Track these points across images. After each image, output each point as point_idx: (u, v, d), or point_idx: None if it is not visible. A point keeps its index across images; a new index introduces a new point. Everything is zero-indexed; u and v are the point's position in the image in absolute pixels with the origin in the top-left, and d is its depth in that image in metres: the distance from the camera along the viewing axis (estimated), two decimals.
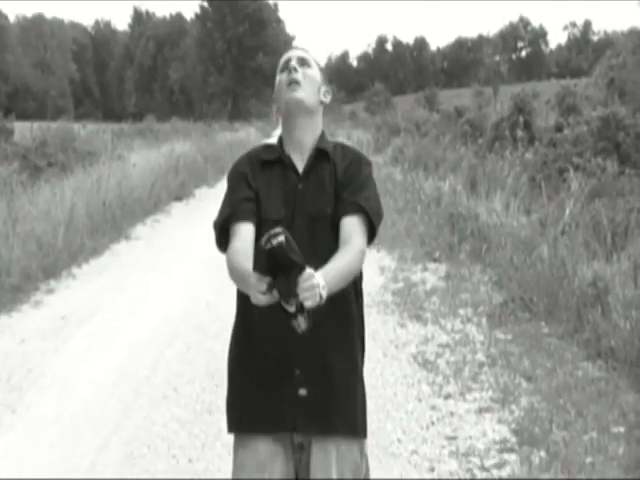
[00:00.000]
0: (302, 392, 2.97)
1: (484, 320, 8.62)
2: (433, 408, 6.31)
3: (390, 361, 7.41)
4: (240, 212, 3.03)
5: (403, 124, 35.24)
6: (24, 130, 21.70)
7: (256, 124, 65.58)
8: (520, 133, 20.51)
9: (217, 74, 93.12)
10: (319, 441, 3.00)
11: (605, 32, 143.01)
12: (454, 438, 5.75)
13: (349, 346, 3.09)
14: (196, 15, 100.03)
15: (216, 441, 5.74)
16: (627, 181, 13.12)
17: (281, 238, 2.55)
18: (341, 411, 3.03)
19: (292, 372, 2.97)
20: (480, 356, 7.50)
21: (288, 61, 3.14)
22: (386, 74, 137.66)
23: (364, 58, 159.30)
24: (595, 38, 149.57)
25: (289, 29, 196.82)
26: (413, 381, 6.91)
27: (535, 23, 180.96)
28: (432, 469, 5.28)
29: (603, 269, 8.57)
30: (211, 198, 20.81)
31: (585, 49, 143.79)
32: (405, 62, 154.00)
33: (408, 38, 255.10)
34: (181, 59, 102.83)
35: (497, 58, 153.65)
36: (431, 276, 10.80)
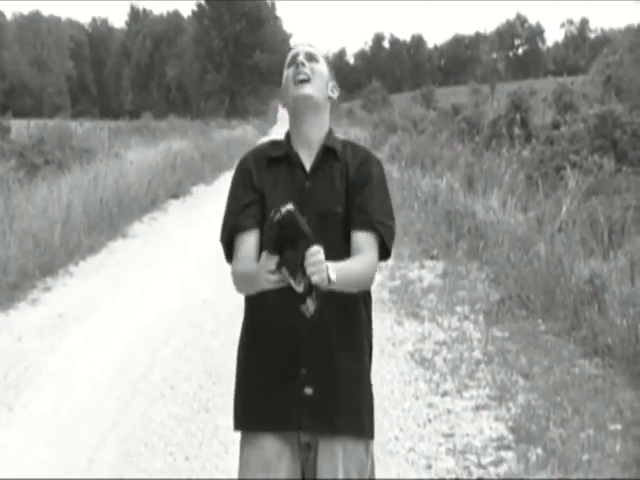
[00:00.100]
0: (308, 391, 2.95)
1: (481, 318, 8.62)
2: (430, 406, 6.31)
3: (387, 359, 7.41)
4: (243, 222, 3.00)
5: (400, 122, 35.25)
6: (21, 128, 21.67)
7: (253, 122, 65.60)
8: (517, 131, 20.53)
9: (214, 72, 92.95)
10: (325, 441, 2.98)
11: (602, 30, 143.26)
12: (451, 436, 5.75)
13: (356, 347, 3.07)
14: (193, 13, 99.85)
15: (213, 439, 5.74)
16: (624, 179, 13.13)
17: (290, 207, 2.61)
18: (346, 411, 3.01)
19: (298, 371, 2.95)
20: (477, 354, 7.51)
21: (296, 56, 3.10)
22: (383, 72, 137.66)
23: (361, 56, 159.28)
24: (592, 36, 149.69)
25: (286, 27, 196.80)
26: (410, 379, 6.91)
27: (532, 21, 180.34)
28: (429, 467, 5.29)
29: (600, 267, 8.57)
30: (208, 196, 20.84)
31: (582, 47, 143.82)
32: (402, 60, 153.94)
33: (405, 35, 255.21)
34: (178, 57, 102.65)
35: (494, 56, 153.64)
36: (428, 274, 10.81)
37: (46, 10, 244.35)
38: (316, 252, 2.60)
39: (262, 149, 3.18)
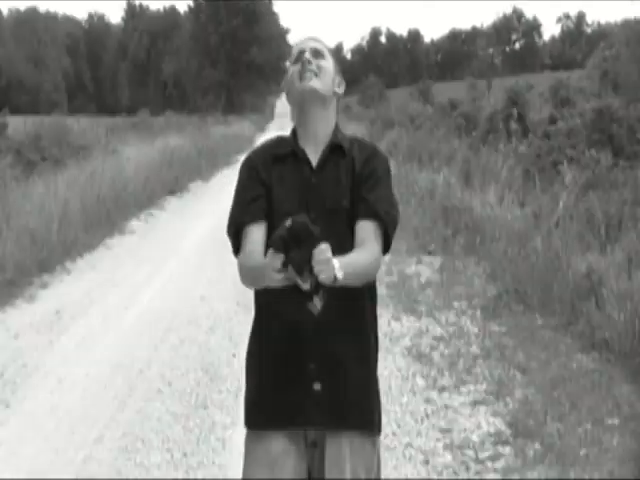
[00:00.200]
0: (316, 387, 2.94)
1: (478, 313, 8.62)
2: (427, 401, 6.31)
3: (384, 354, 7.39)
4: (250, 214, 3.00)
5: (397, 117, 35.20)
6: (17, 124, 21.61)
7: (250, 117, 65.59)
8: (514, 125, 20.50)
9: (211, 68, 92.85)
10: (333, 437, 2.97)
11: (599, 24, 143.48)
12: (448, 431, 5.75)
13: (363, 342, 3.06)
14: (190, 8, 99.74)
15: (210, 435, 5.74)
16: (621, 173, 13.11)
17: (304, 216, 2.63)
18: (356, 406, 3.01)
19: (306, 367, 2.94)
20: (474, 349, 7.51)
21: (302, 52, 3.06)
22: (380, 67, 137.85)
23: (358, 51, 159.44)
24: (589, 30, 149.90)
25: (283, 22, 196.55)
26: (407, 374, 6.91)
27: (529, 15, 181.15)
28: (426, 462, 5.29)
29: (597, 261, 8.57)
30: (205, 192, 20.85)
31: (579, 41, 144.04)
32: (399, 55, 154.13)
33: (402, 30, 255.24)
34: (175, 53, 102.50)
35: (491, 50, 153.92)
36: (425, 269, 10.81)
37: (42, 6, 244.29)
38: (323, 250, 2.59)
39: (268, 146, 3.15)
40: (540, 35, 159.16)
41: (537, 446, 5.36)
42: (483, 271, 10.23)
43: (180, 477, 5.16)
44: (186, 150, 26.29)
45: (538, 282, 8.79)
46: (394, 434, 5.70)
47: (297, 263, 2.59)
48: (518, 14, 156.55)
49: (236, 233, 3.03)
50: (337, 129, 3.10)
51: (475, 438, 5.60)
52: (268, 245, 2.71)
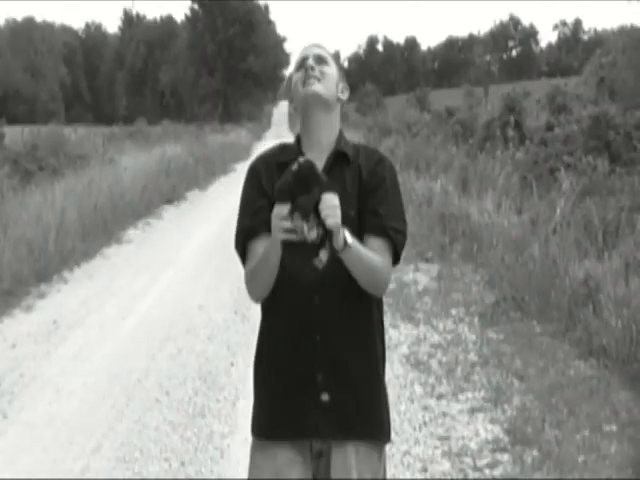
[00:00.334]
0: (324, 397, 2.92)
1: (476, 320, 8.62)
2: (425, 408, 6.31)
3: None
4: (253, 229, 2.96)
5: (394, 125, 35.23)
6: (15, 134, 21.62)
7: (247, 126, 65.66)
8: (511, 132, 20.52)
9: (208, 76, 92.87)
10: (338, 445, 2.95)
11: (595, 31, 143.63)
12: (447, 438, 5.75)
13: (371, 352, 3.05)
14: (186, 17, 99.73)
15: (208, 444, 5.74)
16: (618, 179, 13.12)
17: (308, 158, 2.64)
18: (364, 417, 2.99)
19: (314, 377, 2.92)
20: (472, 356, 7.51)
21: (305, 59, 3.04)
22: (377, 75, 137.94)
23: (355, 59, 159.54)
24: (585, 37, 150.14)
25: (280, 31, 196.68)
26: (405, 382, 6.91)
27: (525, 22, 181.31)
28: (425, 469, 5.28)
29: (594, 267, 8.57)
30: (203, 200, 20.85)
31: (575, 48, 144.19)
32: (396, 62, 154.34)
33: (399, 38, 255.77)
34: (172, 62, 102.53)
35: (488, 58, 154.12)
36: (423, 276, 10.80)
37: (39, 16, 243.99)
38: (331, 197, 2.60)
39: (272, 153, 3.12)
40: (537, 42, 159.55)
41: (535, 453, 5.36)
42: (481, 278, 10.24)
43: None
44: (183, 159, 26.31)
45: (535, 289, 8.80)
46: (392, 442, 5.67)
47: (303, 208, 2.56)
48: (515, 21, 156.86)
49: (243, 250, 3.01)
50: (341, 136, 3.08)
51: (473, 445, 5.60)
52: (274, 193, 2.68)
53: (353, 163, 3.01)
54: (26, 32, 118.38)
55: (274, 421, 2.98)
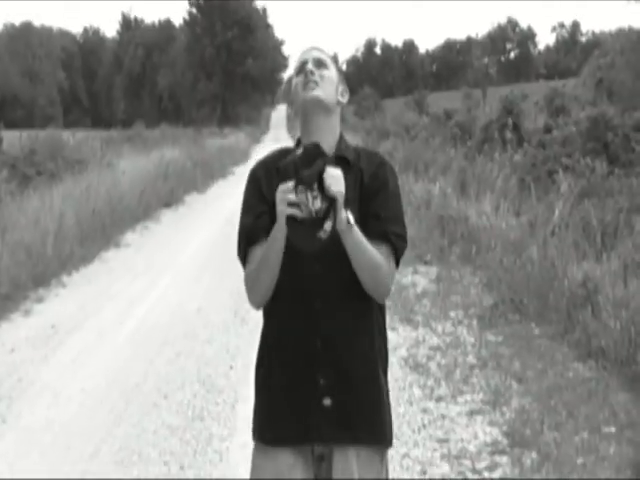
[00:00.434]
0: (327, 402, 2.91)
1: (475, 322, 8.62)
2: (424, 411, 6.30)
3: None
4: (253, 236, 2.95)
5: (392, 127, 35.27)
6: (13, 139, 21.61)
7: (245, 129, 65.71)
8: (509, 135, 20.53)
9: (206, 80, 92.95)
10: (340, 449, 2.94)
11: (593, 32, 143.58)
12: (446, 441, 5.74)
13: (373, 355, 3.05)
14: (185, 21, 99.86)
15: (207, 447, 5.73)
16: (616, 181, 13.13)
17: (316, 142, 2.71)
18: (366, 422, 2.98)
19: (317, 382, 2.91)
20: (471, 358, 7.50)
21: (304, 63, 3.03)
22: (375, 78, 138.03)
23: (353, 62, 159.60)
24: (583, 39, 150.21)
25: (278, 34, 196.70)
26: (404, 384, 6.91)
27: (523, 24, 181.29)
28: (424, 472, 5.28)
29: (593, 269, 8.58)
30: (201, 204, 20.84)
31: (573, 50, 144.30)
32: (394, 65, 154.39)
33: (397, 41, 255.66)
34: (170, 65, 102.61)
35: (486, 60, 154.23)
36: (422, 279, 10.80)
37: (37, 21, 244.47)
38: (335, 170, 2.64)
39: (272, 158, 3.10)
40: (535, 44, 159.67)
41: (534, 455, 5.35)
42: (479, 280, 10.24)
43: None
44: (181, 162, 26.29)
45: (534, 291, 8.80)
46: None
47: (308, 177, 2.60)
48: (513, 24, 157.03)
49: (244, 256, 3.00)
50: (342, 139, 3.07)
51: (472, 448, 5.59)
52: (278, 169, 2.73)
53: (354, 167, 3.00)
54: (24, 36, 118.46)
55: (276, 425, 2.97)
